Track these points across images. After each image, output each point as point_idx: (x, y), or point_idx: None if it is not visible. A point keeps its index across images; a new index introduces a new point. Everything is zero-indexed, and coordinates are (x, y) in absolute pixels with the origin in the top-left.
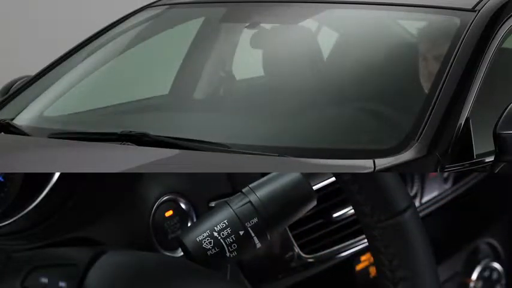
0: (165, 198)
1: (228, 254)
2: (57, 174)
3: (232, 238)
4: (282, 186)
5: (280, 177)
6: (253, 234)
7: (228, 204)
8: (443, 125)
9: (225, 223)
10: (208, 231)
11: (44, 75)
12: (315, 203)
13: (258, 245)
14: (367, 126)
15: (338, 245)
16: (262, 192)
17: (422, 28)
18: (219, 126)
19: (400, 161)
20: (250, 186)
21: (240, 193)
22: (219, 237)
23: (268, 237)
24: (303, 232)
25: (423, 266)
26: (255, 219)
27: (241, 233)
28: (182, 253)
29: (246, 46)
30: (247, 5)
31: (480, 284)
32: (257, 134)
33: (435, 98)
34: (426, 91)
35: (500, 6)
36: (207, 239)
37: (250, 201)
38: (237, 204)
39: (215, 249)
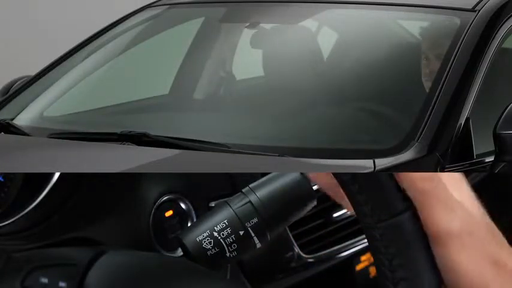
0: (165, 198)
1: (228, 254)
2: (57, 174)
3: (232, 238)
4: (282, 187)
5: (280, 177)
6: (253, 234)
7: (228, 204)
8: (443, 125)
9: (225, 223)
10: (208, 231)
11: (44, 75)
12: (315, 203)
13: (258, 245)
14: (367, 126)
15: (338, 245)
16: (262, 192)
17: (422, 28)
18: (219, 126)
19: (400, 161)
20: (250, 186)
21: (240, 193)
22: (219, 237)
23: (268, 237)
24: (303, 232)
25: (423, 266)
26: (255, 219)
27: (241, 233)
28: (182, 253)
29: (246, 46)
30: (247, 5)
31: None
32: (257, 134)
33: (435, 98)
34: (428, 91)
35: (500, 6)
36: (207, 239)
37: (250, 201)
38: (237, 204)
39: (215, 249)
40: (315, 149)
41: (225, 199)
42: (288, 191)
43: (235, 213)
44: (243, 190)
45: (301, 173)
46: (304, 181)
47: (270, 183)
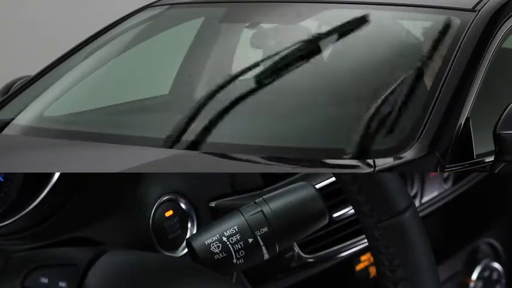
0: (165, 198)
1: (235, 261)
2: (57, 174)
3: (240, 245)
4: (295, 201)
5: (294, 192)
6: (262, 244)
7: (240, 212)
8: (443, 125)
9: (235, 229)
10: (217, 235)
11: (44, 75)
12: (326, 221)
13: (266, 256)
14: (367, 126)
15: (338, 245)
16: (275, 204)
17: (422, 28)
18: (219, 126)
19: (400, 161)
20: (264, 197)
21: (253, 203)
22: (228, 243)
23: (277, 248)
24: None
25: (423, 266)
26: (265, 229)
27: (250, 240)
28: (189, 255)
29: (246, 46)
30: (247, 5)
31: (480, 284)
32: (257, 134)
33: (435, 98)
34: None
35: (500, 6)
36: (216, 243)
37: (262, 211)
38: (249, 213)
39: (222, 254)
40: (315, 149)
41: (238, 208)
42: (301, 206)
43: (246, 220)
44: (256, 200)
45: (316, 190)
46: (318, 198)
47: (284, 197)
